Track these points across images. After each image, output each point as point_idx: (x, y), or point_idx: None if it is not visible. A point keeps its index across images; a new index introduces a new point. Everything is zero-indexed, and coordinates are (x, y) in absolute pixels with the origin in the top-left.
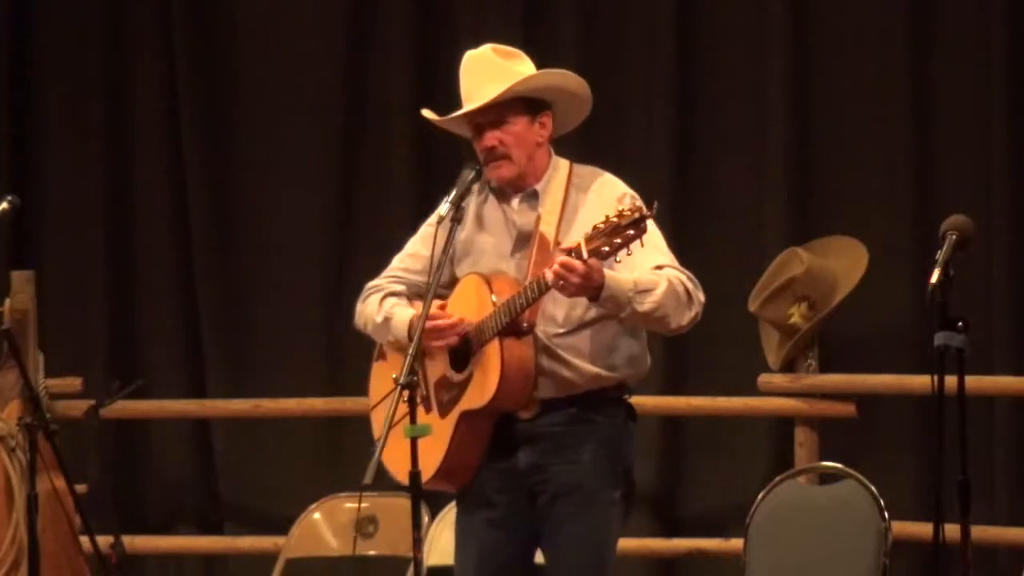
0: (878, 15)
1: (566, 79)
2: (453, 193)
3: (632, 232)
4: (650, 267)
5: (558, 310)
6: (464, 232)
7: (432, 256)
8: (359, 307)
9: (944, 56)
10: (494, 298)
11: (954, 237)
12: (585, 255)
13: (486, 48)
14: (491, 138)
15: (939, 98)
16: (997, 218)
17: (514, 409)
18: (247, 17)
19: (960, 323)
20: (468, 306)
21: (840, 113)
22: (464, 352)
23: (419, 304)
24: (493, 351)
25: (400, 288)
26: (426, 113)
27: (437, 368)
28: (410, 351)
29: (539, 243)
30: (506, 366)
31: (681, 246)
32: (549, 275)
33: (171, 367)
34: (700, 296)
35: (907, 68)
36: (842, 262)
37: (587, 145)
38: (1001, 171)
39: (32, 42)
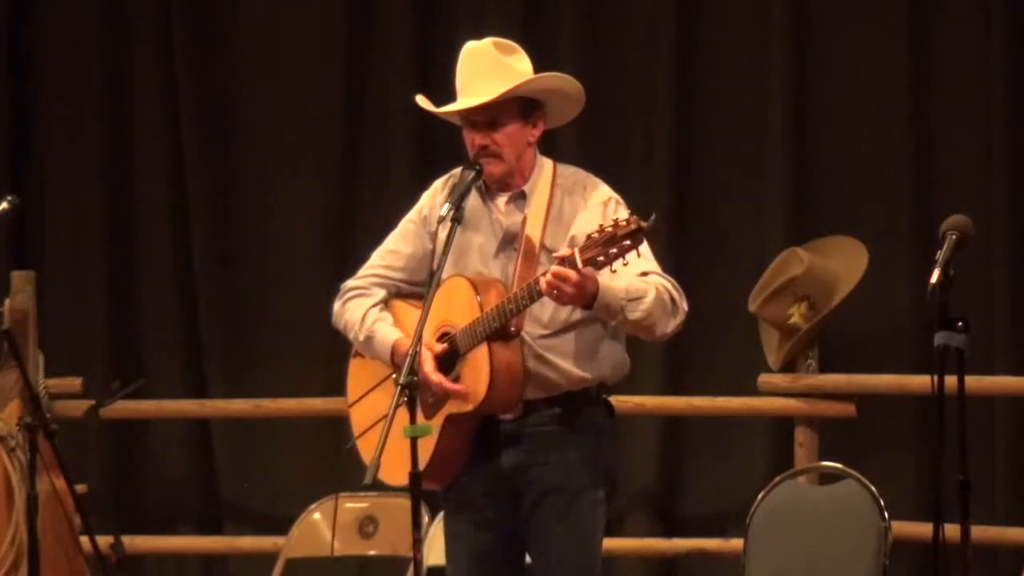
0: (878, 14)
1: (565, 83)
2: (454, 193)
3: (628, 243)
4: (636, 273)
5: (543, 312)
6: (447, 228)
7: (433, 255)
8: (337, 307)
9: (944, 56)
10: (480, 302)
11: (954, 237)
12: (579, 264)
13: (487, 42)
14: (483, 138)
15: (939, 98)
16: (997, 218)
17: (500, 412)
18: (247, 17)
19: (960, 323)
20: (453, 309)
21: (840, 113)
22: (450, 355)
23: (400, 305)
24: (482, 355)
25: (382, 293)
26: (420, 101)
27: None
28: (410, 350)
29: (525, 245)
30: (495, 371)
31: (681, 246)
32: (543, 283)
33: (171, 367)
34: (684, 305)
35: (907, 67)
36: (842, 262)
37: (587, 145)
38: (1001, 171)
39: (32, 42)
